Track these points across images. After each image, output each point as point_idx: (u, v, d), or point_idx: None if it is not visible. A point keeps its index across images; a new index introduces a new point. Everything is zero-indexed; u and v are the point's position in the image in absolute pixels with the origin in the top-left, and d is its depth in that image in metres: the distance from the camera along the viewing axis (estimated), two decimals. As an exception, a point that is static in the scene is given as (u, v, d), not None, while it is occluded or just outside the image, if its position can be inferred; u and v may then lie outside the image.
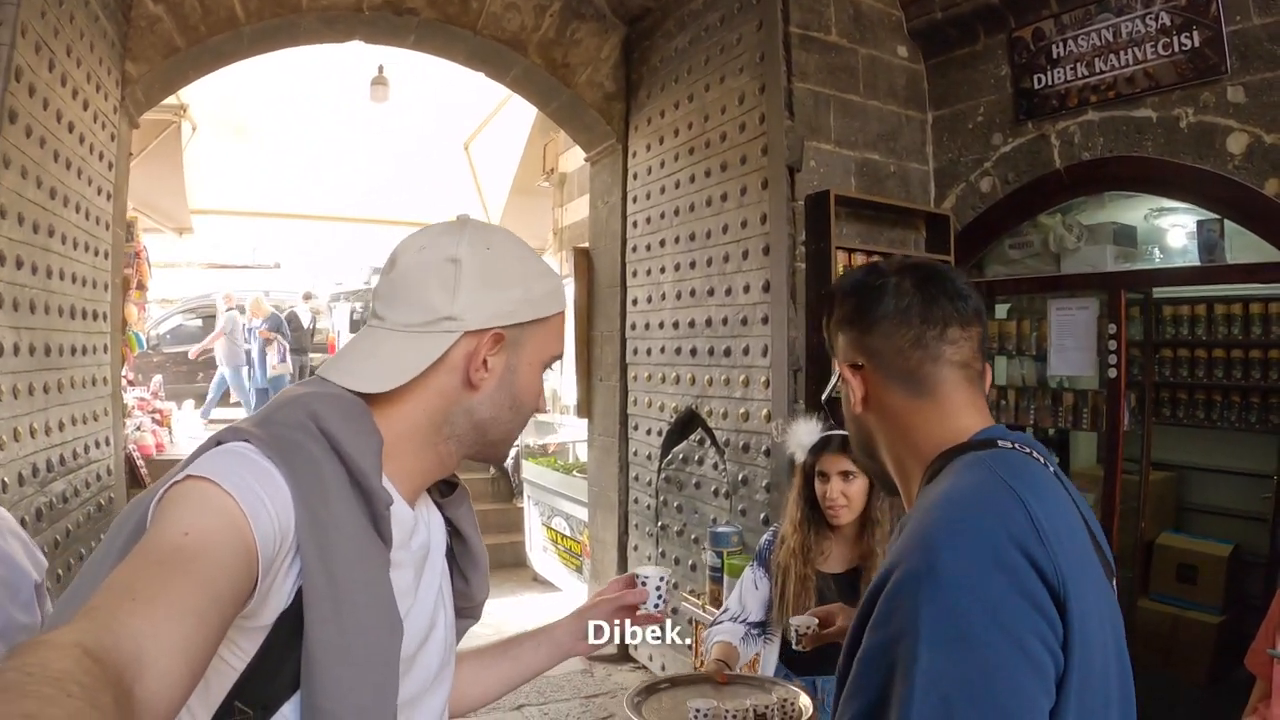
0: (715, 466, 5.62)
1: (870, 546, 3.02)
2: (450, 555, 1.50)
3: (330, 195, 13.21)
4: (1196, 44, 4.20)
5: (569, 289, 7.10)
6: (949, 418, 1.37)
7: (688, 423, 5.98)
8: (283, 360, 13.29)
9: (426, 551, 1.39)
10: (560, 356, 1.48)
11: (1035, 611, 1.08)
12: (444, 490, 1.50)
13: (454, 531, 1.51)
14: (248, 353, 13.68)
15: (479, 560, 1.55)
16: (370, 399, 1.28)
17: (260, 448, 1.13)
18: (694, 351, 5.76)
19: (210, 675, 1.07)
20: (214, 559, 0.98)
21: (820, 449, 3.11)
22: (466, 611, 1.57)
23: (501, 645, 1.77)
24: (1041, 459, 1.33)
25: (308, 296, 14.54)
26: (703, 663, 3.56)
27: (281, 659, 1.11)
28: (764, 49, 5.05)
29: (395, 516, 1.26)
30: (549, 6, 6.28)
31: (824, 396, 1.73)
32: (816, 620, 2.55)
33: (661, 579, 1.85)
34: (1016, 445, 1.32)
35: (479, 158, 12.67)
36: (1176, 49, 4.28)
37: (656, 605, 1.81)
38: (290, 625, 1.11)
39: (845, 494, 3.03)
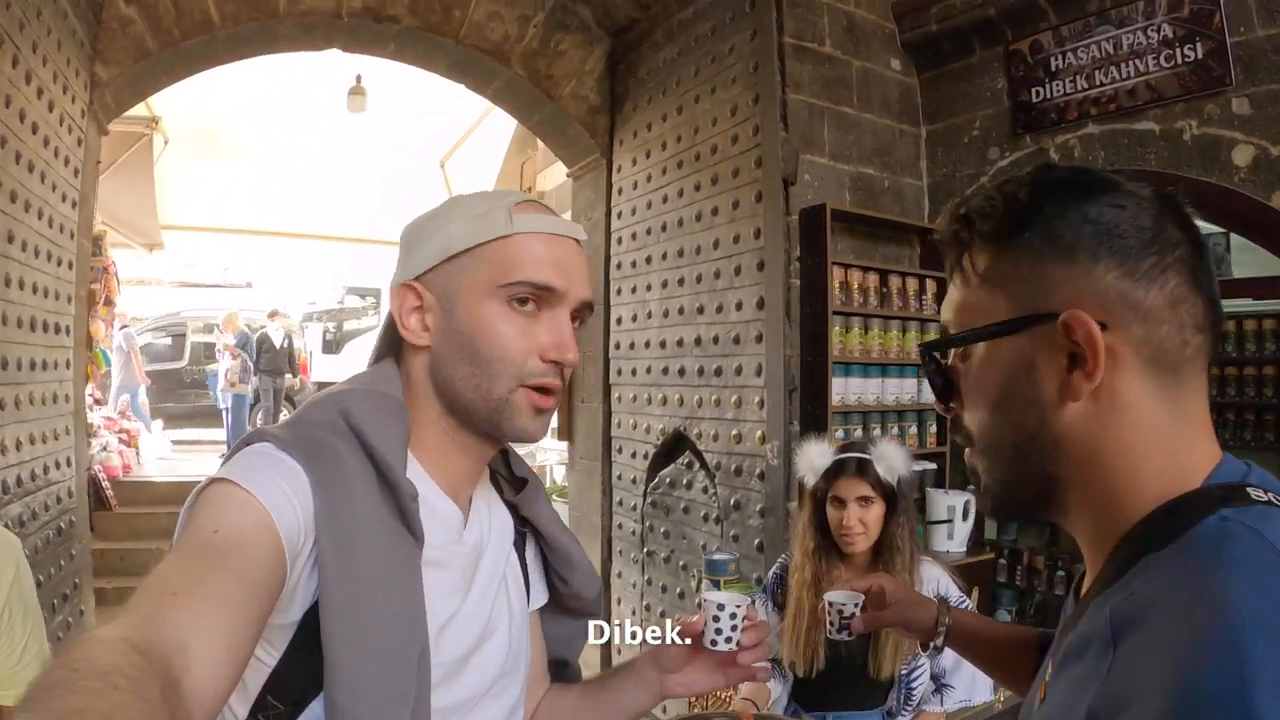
0: (705, 490, 5.45)
1: (892, 575, 2.84)
2: (544, 558, 1.48)
3: (304, 212, 13.01)
4: (1200, 55, 4.10)
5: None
6: (1189, 446, 0.93)
7: (675, 445, 5.82)
8: (243, 380, 13.03)
9: (480, 552, 1.33)
10: (529, 282, 1.22)
11: None
12: (517, 487, 1.46)
13: (535, 531, 1.46)
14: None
15: (571, 556, 1.47)
16: (403, 394, 1.28)
17: (280, 446, 1.13)
18: (682, 371, 5.60)
19: (246, 671, 1.03)
20: (245, 553, 0.99)
21: (835, 473, 2.92)
22: (579, 610, 1.53)
23: (597, 685, 1.60)
24: None
25: (274, 314, 14.23)
26: (706, 700, 3.42)
27: (309, 655, 1.09)
28: (758, 59, 4.93)
29: (436, 513, 1.25)
30: (533, 17, 6.15)
31: (930, 345, 1.11)
32: (861, 596, 1.90)
33: (721, 606, 1.42)
34: (1271, 496, 0.89)
35: (455, 176, 12.52)
36: (1179, 61, 4.18)
37: (714, 642, 1.41)
38: (316, 621, 1.09)
39: (863, 521, 2.87)
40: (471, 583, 1.29)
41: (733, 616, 1.41)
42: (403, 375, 1.30)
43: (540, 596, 1.49)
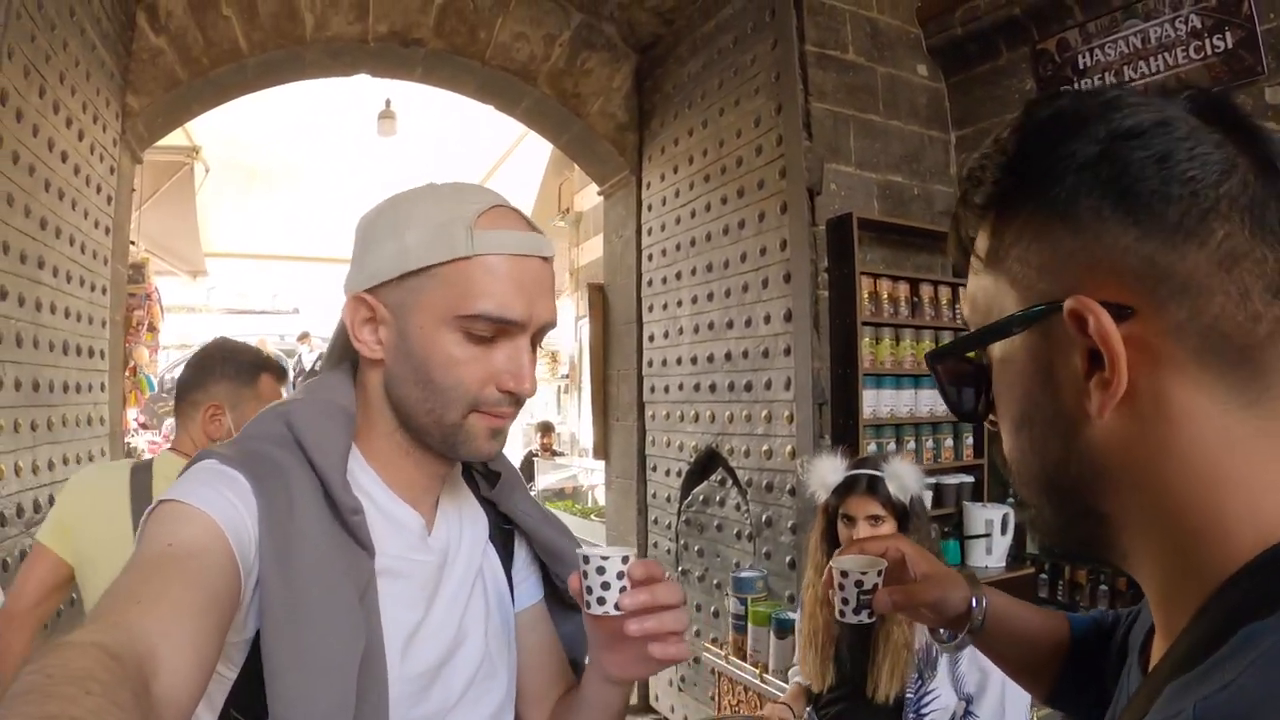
0: (738, 508, 5.38)
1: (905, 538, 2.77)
2: (540, 561, 1.43)
3: (344, 238, 13.15)
4: (1230, 45, 3.99)
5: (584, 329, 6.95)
6: None
7: (708, 462, 5.76)
8: None
9: (447, 558, 1.28)
10: (488, 316, 1.14)
11: None
12: (491, 481, 1.41)
13: (518, 528, 1.42)
14: None
15: (558, 551, 1.41)
16: (356, 403, 1.25)
17: (224, 462, 1.12)
18: (713, 387, 5.54)
19: (210, 686, 1.02)
20: (201, 561, 0.99)
21: (846, 490, 2.83)
22: (569, 603, 1.41)
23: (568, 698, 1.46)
24: None
25: (304, 337, 14.30)
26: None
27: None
28: (779, 68, 4.87)
29: (394, 521, 1.22)
30: (558, 36, 6.15)
31: (935, 354, 0.87)
32: (883, 563, 1.51)
33: (588, 560, 1.16)
34: None
35: (495, 197, 12.58)
36: (1210, 52, 4.07)
37: (589, 604, 1.15)
38: None
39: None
40: (437, 590, 1.25)
41: (600, 572, 1.14)
42: (358, 384, 1.27)
43: (533, 592, 1.44)
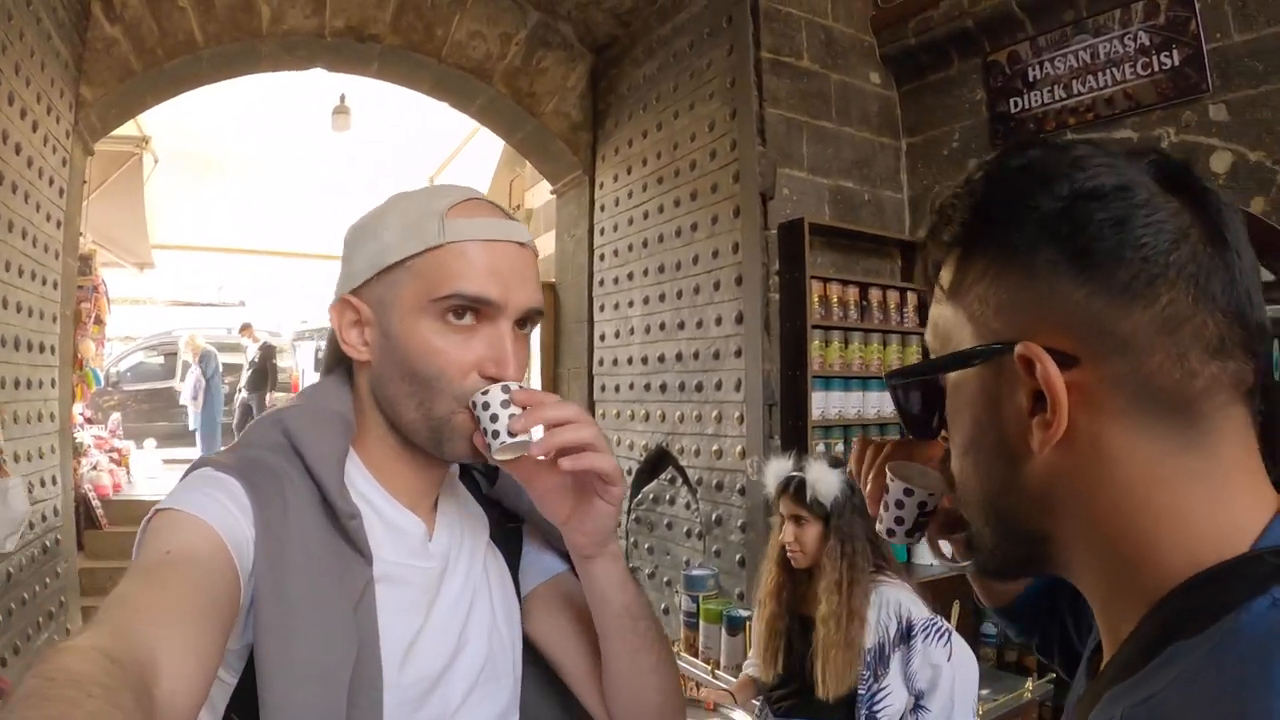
0: (687, 506, 5.43)
1: (816, 593, 2.87)
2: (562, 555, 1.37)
3: (294, 232, 13.01)
4: (1177, 63, 4.11)
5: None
6: (1226, 500, 0.71)
7: (658, 461, 5.80)
8: (195, 398, 12.85)
9: (448, 562, 1.27)
10: (462, 295, 1.14)
11: None
12: (491, 479, 1.41)
13: (526, 522, 1.41)
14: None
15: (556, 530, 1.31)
16: (352, 408, 1.26)
17: (220, 469, 1.12)
18: (664, 387, 5.59)
19: (212, 690, 1.02)
20: (200, 566, 0.99)
21: (780, 491, 2.98)
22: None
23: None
24: None
25: (246, 329, 13.93)
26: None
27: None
28: (735, 74, 4.93)
29: (393, 527, 1.22)
30: (515, 35, 6.16)
31: (895, 374, 0.92)
32: (939, 480, 1.08)
33: (473, 403, 1.13)
34: None
35: (445, 193, 12.49)
36: (1156, 68, 4.19)
37: (490, 446, 1.12)
38: None
39: (798, 539, 2.90)
40: (437, 596, 1.24)
41: (486, 408, 1.12)
42: (354, 389, 1.27)
43: (553, 565, 1.39)
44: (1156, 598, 0.71)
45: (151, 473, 11.24)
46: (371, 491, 1.22)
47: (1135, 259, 0.70)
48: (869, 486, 1.22)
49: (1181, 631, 0.66)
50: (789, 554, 2.93)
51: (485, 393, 1.12)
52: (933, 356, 0.86)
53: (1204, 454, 0.71)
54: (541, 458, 1.14)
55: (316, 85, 7.74)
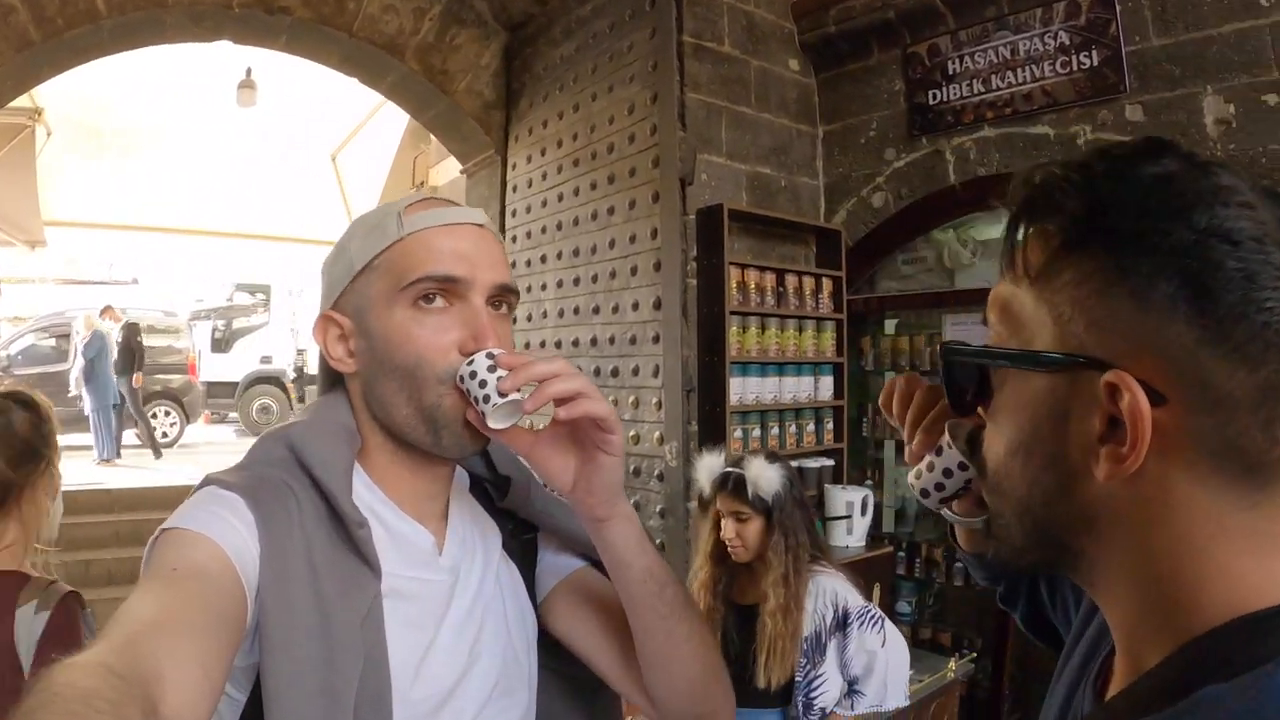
0: (604, 490, 5.39)
1: (762, 589, 2.90)
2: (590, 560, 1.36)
3: (192, 208, 12.66)
4: (1095, 63, 4.22)
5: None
6: (1271, 555, 0.69)
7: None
8: (87, 382, 12.13)
9: (459, 575, 1.26)
10: (428, 276, 1.14)
11: None
12: (503, 489, 1.37)
13: (543, 529, 1.38)
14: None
15: (585, 541, 1.28)
16: (354, 421, 1.25)
17: (224, 486, 1.12)
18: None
19: (223, 708, 1.07)
20: (206, 583, 0.99)
21: (718, 488, 3.00)
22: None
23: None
24: None
25: (106, 311, 13.15)
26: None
27: None
28: (657, 57, 4.89)
29: (402, 540, 1.21)
30: (429, 10, 6.05)
31: (953, 349, 0.84)
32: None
33: (460, 375, 1.12)
34: None
35: (347, 170, 12.30)
36: (1075, 68, 4.29)
37: (485, 414, 1.10)
38: None
39: (740, 535, 2.93)
40: (448, 609, 1.23)
41: (473, 376, 1.10)
42: (354, 402, 1.26)
43: (574, 561, 1.37)
44: (1189, 636, 0.69)
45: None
46: (377, 503, 1.21)
47: (1257, 320, 0.65)
48: (915, 438, 1.14)
49: (1214, 675, 0.63)
50: (730, 549, 2.94)
51: (470, 362, 1.11)
52: (993, 335, 0.81)
53: (1269, 516, 0.68)
54: (540, 425, 1.15)
55: (218, 57, 7.55)
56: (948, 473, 1.11)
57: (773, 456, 3.02)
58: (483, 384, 1.09)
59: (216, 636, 0.94)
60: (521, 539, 1.38)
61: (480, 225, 1.23)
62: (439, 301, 1.16)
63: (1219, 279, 0.65)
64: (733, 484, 2.95)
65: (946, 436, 1.08)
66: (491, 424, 1.11)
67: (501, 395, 1.08)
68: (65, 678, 0.74)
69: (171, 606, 0.93)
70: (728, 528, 2.94)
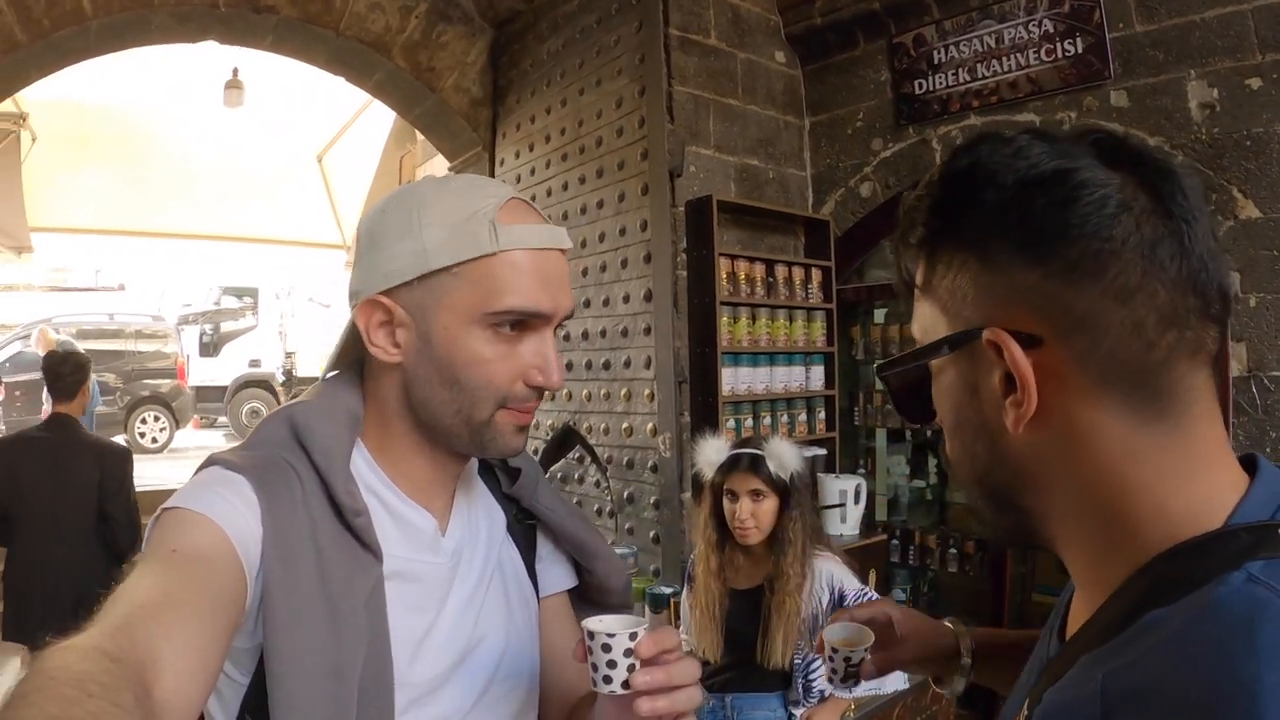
0: (597, 484, 5.42)
1: (781, 568, 2.90)
2: (573, 560, 1.41)
3: (178, 212, 12.52)
4: (1080, 50, 4.25)
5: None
6: (1196, 474, 0.75)
7: (564, 440, 5.76)
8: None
9: (461, 559, 1.26)
10: (518, 310, 1.13)
11: None
12: (512, 477, 1.38)
13: (542, 523, 1.40)
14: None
15: (588, 546, 1.37)
16: (363, 406, 1.24)
17: (227, 466, 1.12)
18: (570, 365, 5.55)
19: (224, 689, 1.08)
20: (205, 564, 0.99)
21: (730, 468, 3.00)
22: (605, 602, 1.40)
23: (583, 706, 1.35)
24: None
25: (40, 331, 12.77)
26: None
27: None
28: (644, 51, 4.91)
29: (404, 523, 1.21)
30: (415, 7, 6.04)
31: (885, 367, 0.94)
32: (871, 637, 1.51)
33: (594, 638, 1.07)
34: None
35: (333, 170, 12.21)
36: (1060, 55, 4.33)
37: (595, 682, 1.07)
38: None
39: (755, 514, 2.93)
40: (450, 592, 1.23)
41: (607, 650, 1.06)
42: (368, 389, 1.25)
43: (562, 580, 1.41)
44: (1134, 568, 0.75)
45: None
46: (380, 486, 1.21)
47: (1080, 236, 0.73)
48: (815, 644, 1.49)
49: (1157, 601, 0.70)
50: (741, 531, 2.94)
51: (611, 635, 1.05)
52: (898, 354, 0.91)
53: (1170, 427, 0.74)
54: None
55: (205, 58, 7.52)
56: (831, 658, 1.50)
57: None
58: (612, 664, 1.05)
59: (213, 619, 0.95)
60: (524, 524, 1.39)
61: (564, 251, 1.22)
62: (515, 330, 1.15)
63: (1034, 217, 0.75)
64: (749, 462, 2.96)
65: (823, 638, 1.52)
66: (599, 690, 1.07)
67: (625, 686, 1.05)
68: (59, 661, 0.75)
69: (169, 588, 0.93)
70: (743, 507, 2.93)
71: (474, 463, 1.36)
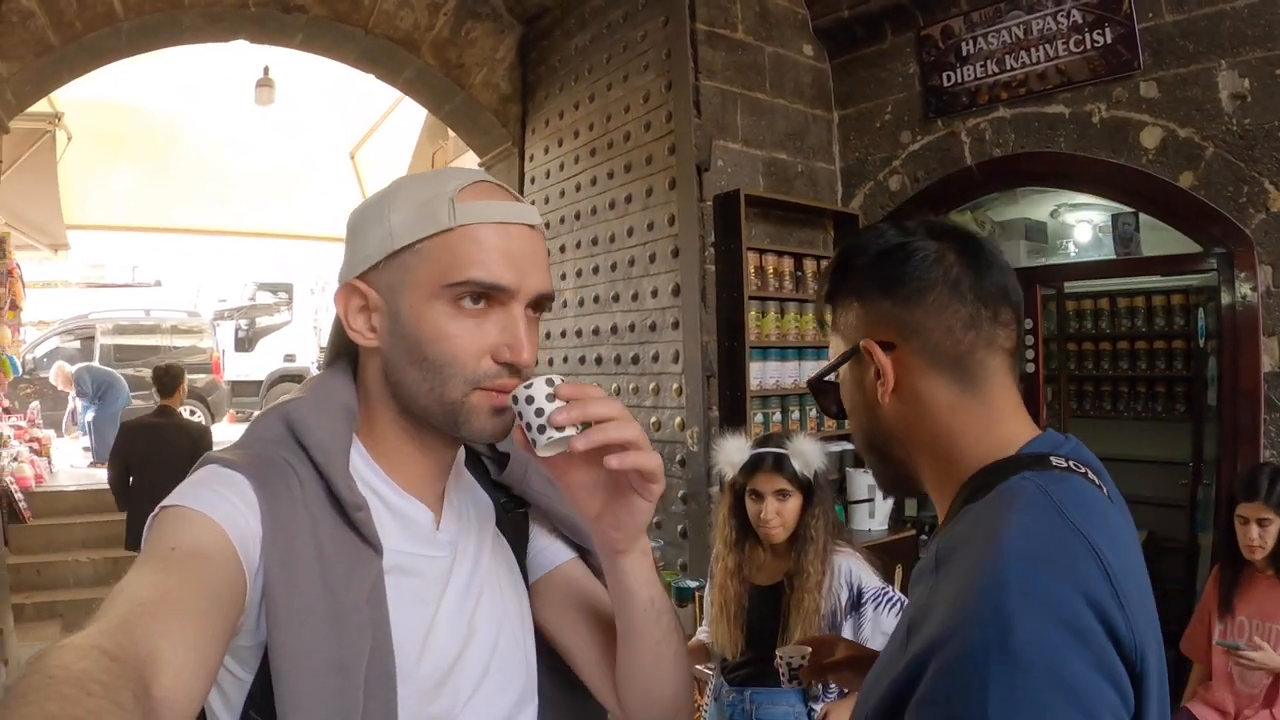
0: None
1: (802, 565, 2.89)
2: (575, 545, 1.39)
3: (213, 208, 12.65)
4: (1109, 40, 4.21)
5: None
6: (996, 423, 1.19)
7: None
8: (88, 423, 11.94)
9: (456, 551, 1.25)
10: (475, 281, 1.11)
11: (1114, 690, 0.94)
12: (501, 464, 1.37)
13: (534, 508, 1.39)
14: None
15: (582, 528, 1.33)
16: (356, 397, 1.25)
17: (225, 465, 1.11)
18: (599, 360, 5.58)
19: (228, 687, 1.09)
20: (204, 562, 0.99)
21: (754, 468, 2.97)
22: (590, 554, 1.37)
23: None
24: (1096, 479, 1.14)
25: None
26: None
27: None
28: (670, 45, 4.91)
29: (400, 516, 1.21)
30: (443, 5, 6.08)
31: (812, 380, 1.37)
32: (809, 649, 2.04)
33: (516, 397, 1.09)
34: (1072, 464, 1.12)
35: (365, 167, 12.26)
36: (1089, 46, 4.29)
37: (535, 441, 1.08)
38: None
39: (780, 513, 2.91)
40: (447, 584, 1.23)
41: (530, 401, 1.08)
42: (359, 377, 1.25)
43: (562, 553, 1.38)
44: (960, 485, 1.18)
45: (74, 460, 10.96)
46: (378, 481, 1.20)
47: (911, 279, 1.20)
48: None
49: (971, 499, 1.13)
50: (769, 529, 2.93)
51: (528, 386, 1.08)
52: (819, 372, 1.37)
53: (979, 393, 1.19)
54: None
55: (235, 57, 7.59)
56: (778, 667, 2.32)
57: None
58: (539, 412, 1.07)
59: (212, 617, 0.95)
60: (514, 514, 1.39)
61: (533, 227, 1.20)
62: (480, 303, 1.14)
63: (886, 271, 1.22)
64: (774, 461, 2.94)
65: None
66: (540, 453, 1.10)
67: (557, 429, 1.06)
68: (58, 660, 0.74)
69: (167, 587, 0.93)
70: (769, 507, 2.92)
71: (463, 455, 1.35)
